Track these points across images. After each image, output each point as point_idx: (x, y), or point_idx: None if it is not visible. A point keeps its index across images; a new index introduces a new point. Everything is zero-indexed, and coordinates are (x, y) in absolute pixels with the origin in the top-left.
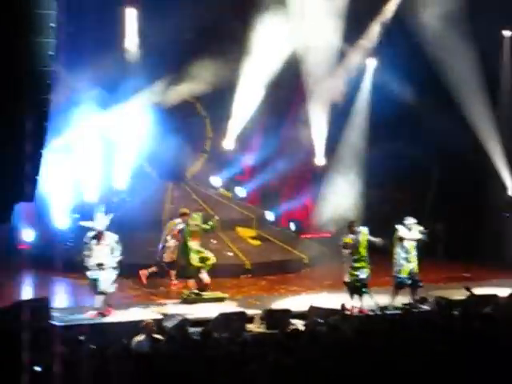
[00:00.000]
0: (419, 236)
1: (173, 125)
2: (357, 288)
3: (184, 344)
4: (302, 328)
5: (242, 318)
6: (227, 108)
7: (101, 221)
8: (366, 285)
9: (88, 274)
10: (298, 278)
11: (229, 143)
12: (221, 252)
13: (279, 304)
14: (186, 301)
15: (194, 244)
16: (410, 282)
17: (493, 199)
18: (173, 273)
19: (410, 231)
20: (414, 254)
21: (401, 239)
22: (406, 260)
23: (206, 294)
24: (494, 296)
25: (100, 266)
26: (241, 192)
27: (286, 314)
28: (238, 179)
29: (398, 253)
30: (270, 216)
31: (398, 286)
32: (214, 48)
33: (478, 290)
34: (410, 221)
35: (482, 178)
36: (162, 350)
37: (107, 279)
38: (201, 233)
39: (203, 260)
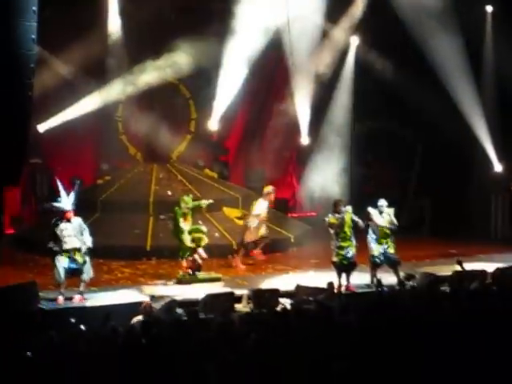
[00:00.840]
0: (386, 223)
1: (157, 106)
2: (344, 267)
3: (173, 325)
4: (289, 307)
5: (230, 299)
6: (211, 88)
7: (65, 200)
8: (353, 263)
9: (60, 260)
10: (284, 258)
11: (214, 124)
12: (207, 233)
13: (267, 283)
14: (181, 281)
15: (185, 225)
16: (384, 261)
17: (478, 175)
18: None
19: (382, 214)
20: (384, 236)
21: (371, 221)
22: (377, 242)
23: (201, 275)
24: (483, 271)
25: (74, 250)
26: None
27: (274, 293)
28: (222, 159)
29: (370, 234)
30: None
31: (373, 266)
32: (197, 28)
33: (466, 266)
34: (382, 203)
35: (467, 154)
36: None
37: (87, 267)
38: (191, 214)
39: (195, 241)
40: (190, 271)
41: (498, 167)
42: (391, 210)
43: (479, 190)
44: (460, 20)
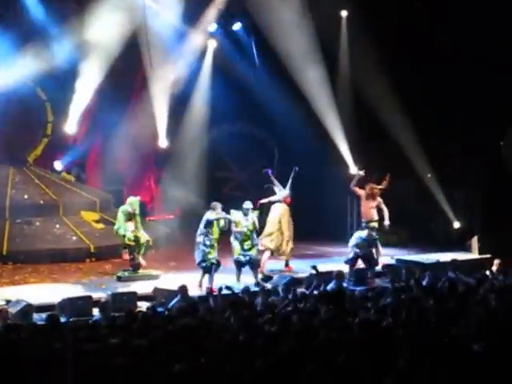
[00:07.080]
0: (250, 225)
1: (12, 108)
2: (211, 267)
3: (29, 330)
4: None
5: (88, 302)
6: (68, 91)
7: None
8: (219, 264)
9: None
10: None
11: (70, 127)
12: (64, 237)
13: (125, 286)
14: (121, 279)
15: (129, 225)
16: (246, 261)
17: (334, 177)
18: None
19: (246, 216)
20: (246, 238)
21: (235, 223)
22: (241, 242)
23: (140, 272)
24: (340, 272)
25: None
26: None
27: (132, 296)
28: (80, 163)
29: (233, 235)
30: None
31: (237, 266)
32: (53, 31)
33: (325, 267)
34: (248, 205)
35: (323, 156)
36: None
37: None
38: (137, 216)
39: (138, 239)
40: (130, 268)
41: (353, 169)
42: (255, 213)
43: (335, 192)
44: (316, 24)
